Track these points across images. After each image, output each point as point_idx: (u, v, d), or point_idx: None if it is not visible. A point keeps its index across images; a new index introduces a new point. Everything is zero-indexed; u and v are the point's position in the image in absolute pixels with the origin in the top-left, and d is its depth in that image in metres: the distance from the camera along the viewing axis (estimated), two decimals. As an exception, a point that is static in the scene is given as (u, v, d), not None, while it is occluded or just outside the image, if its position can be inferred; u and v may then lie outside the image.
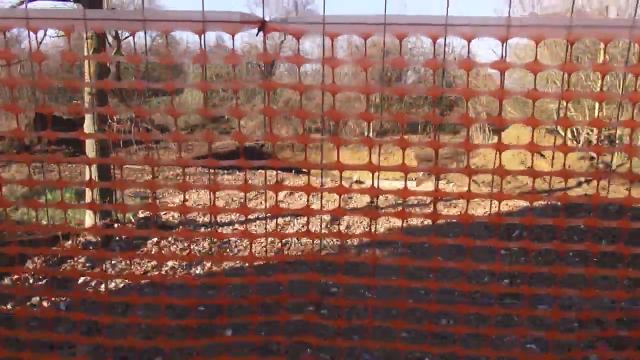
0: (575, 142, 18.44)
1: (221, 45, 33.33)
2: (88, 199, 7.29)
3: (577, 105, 18.56)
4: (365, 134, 25.90)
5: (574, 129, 18.91)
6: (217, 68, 29.11)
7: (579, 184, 12.30)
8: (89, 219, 7.28)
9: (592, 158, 14.24)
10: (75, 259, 5.85)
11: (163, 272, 5.59)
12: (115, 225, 6.81)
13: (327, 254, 6.48)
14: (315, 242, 6.96)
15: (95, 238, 6.37)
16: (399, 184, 13.65)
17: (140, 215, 7.85)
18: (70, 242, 6.23)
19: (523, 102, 21.57)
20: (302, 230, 7.72)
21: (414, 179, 14.62)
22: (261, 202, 10.02)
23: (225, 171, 14.37)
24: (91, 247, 6.13)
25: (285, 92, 27.32)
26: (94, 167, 7.27)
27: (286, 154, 22.59)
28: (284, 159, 22.43)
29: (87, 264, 5.79)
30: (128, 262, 5.89)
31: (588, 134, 18.02)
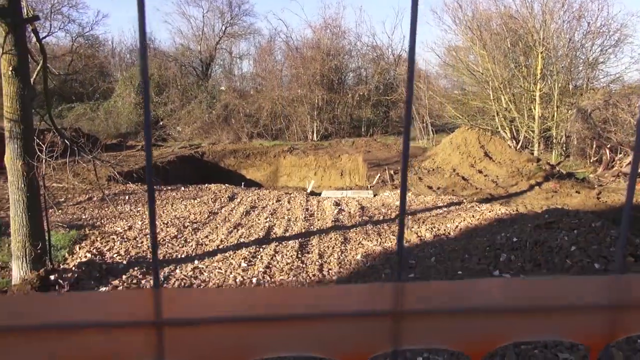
0: (515, 142, 18.90)
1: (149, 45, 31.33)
2: (15, 248, 6.03)
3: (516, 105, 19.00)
4: (309, 137, 25.30)
5: (514, 129, 19.39)
6: (149, 70, 27.17)
7: (531, 187, 12.41)
8: (17, 269, 6.03)
9: (538, 160, 14.52)
10: None
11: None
12: (52, 276, 5.65)
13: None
14: (292, 280, 6.21)
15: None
16: (341, 194, 13.20)
17: (81, 258, 6.68)
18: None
19: (464, 103, 21.89)
20: (273, 262, 6.94)
21: (369, 187, 14.19)
22: (216, 226, 9.08)
23: (168, 187, 13.15)
24: (23, 312, 4.97)
25: (224, 96, 26.05)
26: (20, 201, 6.05)
27: (229, 161, 21.45)
28: (228, 166, 21.32)
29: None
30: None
31: (528, 133, 18.50)
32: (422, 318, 0.31)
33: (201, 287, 6.06)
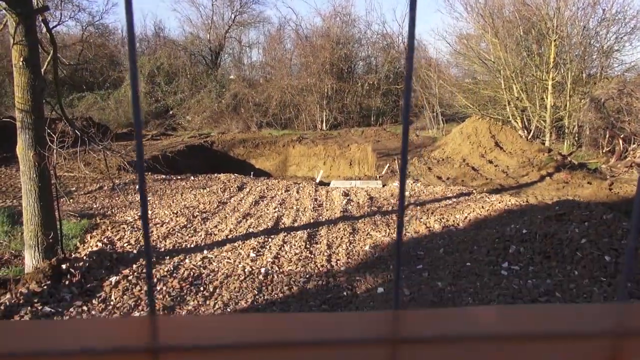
0: (526, 132, 18.69)
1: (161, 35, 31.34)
2: (28, 237, 6.12)
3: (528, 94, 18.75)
4: (318, 127, 25.24)
5: (526, 119, 19.16)
6: (159, 59, 27.21)
7: (542, 178, 12.29)
8: (29, 258, 6.12)
9: (550, 150, 14.35)
10: (17, 317, 4.78)
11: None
12: (64, 265, 5.73)
13: (314, 286, 5.79)
14: (300, 270, 6.24)
15: (41, 286, 5.29)
16: (350, 184, 13.17)
17: (92, 248, 6.77)
18: (8, 294, 5.12)
19: (474, 92, 21.66)
20: (281, 252, 6.97)
21: (378, 177, 14.16)
22: (225, 216, 9.13)
23: (178, 177, 13.23)
24: (36, 300, 5.06)
25: (233, 85, 26.02)
26: (32, 191, 6.12)
27: (239, 151, 21.49)
28: (237, 156, 21.38)
29: (33, 323, 4.74)
30: (84, 316, 4.91)
31: (539, 123, 18.27)
32: (419, 345, 0.31)
33: (210, 276, 6.12)
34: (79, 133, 7.09)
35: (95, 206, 9.89)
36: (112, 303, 5.26)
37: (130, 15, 0.34)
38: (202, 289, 5.71)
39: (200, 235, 7.84)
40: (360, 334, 0.31)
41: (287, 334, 0.31)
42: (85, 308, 5.12)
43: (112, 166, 13.38)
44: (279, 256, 6.82)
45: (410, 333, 0.31)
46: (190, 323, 0.33)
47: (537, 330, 0.32)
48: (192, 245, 7.35)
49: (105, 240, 7.45)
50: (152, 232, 8.04)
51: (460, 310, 0.34)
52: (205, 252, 7.06)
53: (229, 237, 7.78)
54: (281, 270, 6.32)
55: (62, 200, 9.74)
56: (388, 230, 7.98)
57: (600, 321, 0.33)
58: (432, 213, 9.09)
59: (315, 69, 24.89)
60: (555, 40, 17.43)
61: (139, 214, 9.17)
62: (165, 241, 7.51)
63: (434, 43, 65.83)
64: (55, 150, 6.07)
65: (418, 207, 9.64)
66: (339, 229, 8.25)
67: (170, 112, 26.13)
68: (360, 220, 8.77)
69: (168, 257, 6.77)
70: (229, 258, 6.78)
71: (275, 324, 0.33)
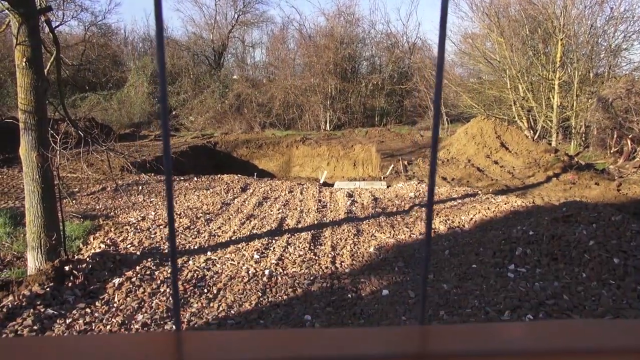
0: (532, 132, 18.63)
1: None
2: (30, 239, 6.14)
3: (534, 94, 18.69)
4: (322, 127, 25.24)
5: (532, 119, 19.10)
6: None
7: (549, 179, 12.25)
8: (32, 260, 6.15)
9: (556, 150, 14.30)
10: (20, 320, 4.80)
11: (133, 331, 4.68)
12: (67, 267, 5.75)
13: (319, 288, 5.79)
14: (304, 272, 6.24)
15: (43, 288, 5.31)
16: (354, 185, 13.17)
17: (95, 249, 6.79)
18: (10, 296, 5.14)
19: (479, 92, 21.62)
20: (285, 254, 6.97)
21: (382, 178, 14.14)
22: (229, 217, 9.14)
23: (181, 177, 13.26)
24: (38, 302, 5.08)
25: (237, 85, 26.06)
26: (35, 192, 6.15)
27: (242, 151, 21.52)
28: (240, 156, 21.40)
29: (37, 325, 4.76)
30: (87, 318, 4.92)
31: (546, 123, 18.20)
32: (446, 362, 0.31)
33: (214, 278, 6.12)
34: (82, 134, 7.11)
35: (98, 207, 9.92)
36: (115, 305, 5.27)
37: (160, 21, 0.34)
38: (205, 290, 5.72)
39: (204, 237, 7.85)
40: (386, 350, 0.31)
41: (312, 350, 0.31)
42: (88, 310, 5.14)
43: (115, 167, 13.44)
44: (282, 258, 6.82)
45: (437, 349, 0.31)
46: (215, 338, 0.33)
47: (566, 347, 0.32)
48: (196, 247, 7.36)
49: (108, 241, 7.47)
50: (155, 233, 8.06)
51: (487, 325, 0.34)
52: (208, 253, 7.06)
53: (232, 238, 7.79)
54: (285, 272, 6.32)
55: (65, 201, 9.77)
56: (393, 232, 7.97)
57: (630, 337, 0.33)
58: (437, 214, 9.07)
59: (319, 69, 24.89)
60: (561, 39, 17.37)
61: (142, 215, 9.20)
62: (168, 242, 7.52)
63: (435, 39, 65.62)
64: (58, 151, 6.08)
65: (423, 208, 9.62)
66: (343, 230, 8.25)
67: (173, 113, 26.18)
68: (364, 222, 8.77)
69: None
70: (232, 260, 6.78)
71: (301, 340, 0.32)
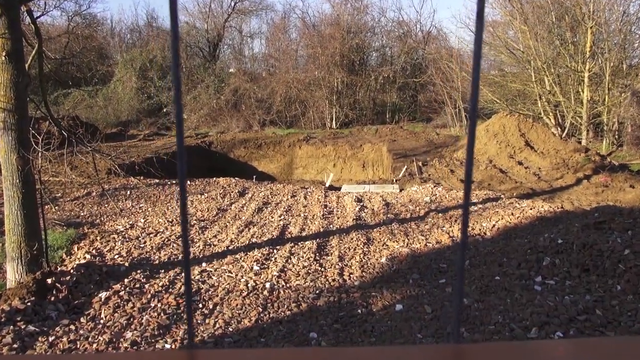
0: (560, 129, 18.57)
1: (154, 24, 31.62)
2: (10, 249, 6.18)
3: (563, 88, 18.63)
4: (328, 125, 25.28)
5: (559, 115, 19.04)
6: (152, 52, 27.45)
7: (579, 181, 12.19)
8: (11, 272, 6.18)
9: (587, 150, 14.24)
10: (-1, 337, 4.82)
11: (121, 349, 4.69)
12: (49, 280, 5.77)
13: (325, 303, 5.79)
14: (309, 285, 6.24)
15: (24, 303, 5.34)
16: (363, 188, 13.16)
17: (80, 260, 6.82)
18: (-11, 312, 5.17)
19: (501, 85, 21.59)
20: (288, 265, 6.98)
21: (394, 181, 14.13)
22: (226, 225, 9.17)
23: (173, 181, 13.30)
24: (19, 318, 5.10)
25: (234, 79, 26.16)
26: (15, 197, 6.18)
27: (239, 152, 21.59)
28: (238, 158, 21.47)
29: (17, 343, 4.78)
30: (71, 336, 4.94)
31: (575, 119, 18.14)
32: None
33: (209, 292, 6.13)
34: (65, 134, 7.16)
35: (82, 214, 9.97)
36: (102, 322, 5.29)
37: (175, 22, 0.34)
38: (200, 305, 5.73)
39: (198, 246, 7.86)
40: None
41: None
42: (72, 327, 5.15)
43: (101, 170, 13.51)
44: (285, 269, 6.82)
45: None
46: (229, 357, 0.33)
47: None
48: (189, 257, 7.36)
49: (94, 251, 7.50)
50: (145, 242, 8.09)
51: (526, 343, 0.34)
52: (203, 264, 7.08)
53: (229, 248, 7.80)
54: (288, 285, 6.32)
55: (47, 207, 9.83)
56: (406, 240, 7.95)
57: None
58: (455, 221, 9.06)
59: (324, 60, 24.95)
60: (591, 27, 17.31)
61: (130, 222, 9.23)
62: (160, 253, 7.55)
63: (456, 31, 65.76)
64: (39, 153, 6.13)
65: (440, 214, 9.60)
66: (352, 238, 8.25)
67: (164, 110, 26.32)
68: (375, 229, 8.76)
69: (163, 271, 6.80)
70: (230, 271, 6.79)
71: (320, 359, 0.32)
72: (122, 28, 34.02)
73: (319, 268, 6.89)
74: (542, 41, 18.52)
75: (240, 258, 7.33)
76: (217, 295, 5.98)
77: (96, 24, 29.85)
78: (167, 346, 4.82)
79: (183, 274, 6.40)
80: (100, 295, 5.87)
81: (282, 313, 5.53)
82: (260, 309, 5.58)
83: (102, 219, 9.68)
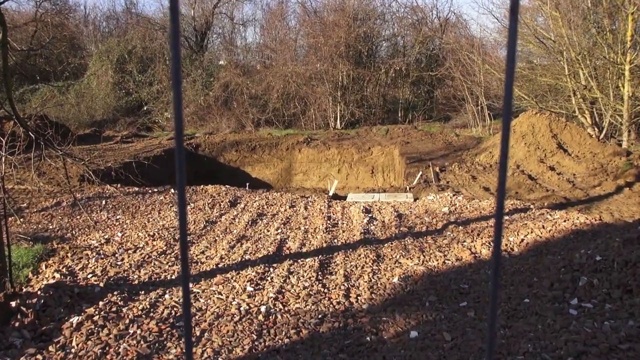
0: (597, 130, 18.57)
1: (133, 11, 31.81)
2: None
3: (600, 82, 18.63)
4: (331, 125, 25.33)
5: (596, 113, 19.05)
6: (131, 42, 27.59)
7: (619, 189, 12.18)
8: (-31, 293, 6.17)
9: (629, 153, 14.24)
10: (-45, 369, 4.82)
11: (95, 383, 4.68)
12: (13, 302, 5.77)
13: (329, 329, 5.77)
14: (310, 309, 6.24)
15: (-16, 329, 5.33)
16: (372, 197, 13.16)
17: (49, 280, 6.82)
18: (-56, 339, 5.17)
19: (530, 79, 21.63)
20: (286, 286, 6.97)
21: (408, 189, 14.14)
22: (215, 239, 9.18)
23: (154, 189, 13.34)
24: (-22, 347, 5.09)
25: (224, 73, 26.27)
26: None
27: (231, 156, 21.63)
28: (228, 162, 21.52)
29: (-26, 376, 4.78)
30: (38, 367, 4.93)
31: (614, 118, 18.13)
32: None
33: (197, 316, 6.12)
34: (32, 135, 7.19)
35: (51, 227, 9.99)
36: (73, 351, 5.28)
37: (176, 24, 0.34)
38: (186, 332, 5.72)
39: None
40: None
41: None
42: (39, 357, 5.15)
43: (73, 176, 13.55)
44: (283, 291, 6.81)
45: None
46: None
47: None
48: (173, 277, 7.37)
49: (64, 270, 7.50)
50: (123, 259, 8.10)
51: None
52: (190, 285, 7.07)
53: (219, 266, 7.80)
54: (286, 308, 6.31)
55: (10, 219, 9.85)
56: (422, 257, 7.94)
57: None
58: (478, 235, 9.05)
59: (327, 51, 25.05)
60: (632, 13, 17.35)
61: (105, 236, 9.25)
62: (140, 271, 7.55)
63: (478, 18, 66.05)
64: (3, 158, 6.14)
65: (460, 226, 9.59)
66: (360, 255, 8.24)
67: (145, 108, 26.44)
68: (386, 245, 8.75)
69: (143, 292, 6.79)
70: (220, 293, 6.79)
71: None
72: (98, 15, 34.27)
73: (322, 289, 6.88)
74: (576, 29, 18.55)
75: (232, 277, 7.32)
76: (205, 321, 5.96)
77: (68, 10, 30.06)
78: (148, 379, 4.81)
79: (166, 296, 6.39)
80: (71, 320, 5.86)
81: (280, 341, 5.51)
82: (255, 337, 5.57)
83: (74, 232, 9.69)
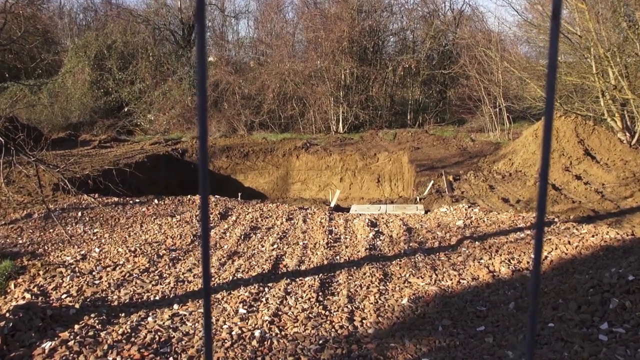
0: (629, 134, 18.60)
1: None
2: None
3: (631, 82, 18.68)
4: (333, 128, 25.36)
5: (628, 116, 19.10)
6: (110, 36, 27.69)
7: (654, 201, 12.19)
8: None
9: (664, 160, 14.25)
10: None
11: (70, 416, 4.67)
12: (-22, 326, 5.76)
13: (331, 356, 5.76)
14: (310, 334, 6.23)
15: (-54, 356, 5.32)
16: (378, 209, 13.16)
17: (18, 301, 6.82)
18: None
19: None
20: (283, 307, 6.97)
21: (418, 200, 14.15)
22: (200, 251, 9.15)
23: (136, 200, 13.35)
24: (-61, 376, 5.09)
25: (214, 71, 26.35)
26: None
27: (221, 162, 21.65)
28: (218, 170, 21.55)
29: None
30: (6, 398, 4.92)
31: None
32: None
33: (183, 342, 6.11)
34: (1, 139, 7.21)
35: (21, 241, 9.98)
36: (45, 380, 5.27)
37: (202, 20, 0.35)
38: (171, 359, 5.70)
39: (169, 283, 7.85)
40: None
41: None
42: (8, 387, 5.14)
43: (46, 185, 13.55)
44: (279, 313, 6.80)
45: None
46: None
47: None
48: (157, 297, 7.36)
49: (35, 289, 7.49)
50: (101, 278, 8.09)
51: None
52: (175, 306, 7.06)
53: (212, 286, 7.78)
54: (283, 333, 6.30)
55: (-25, 233, 9.84)
56: (434, 276, 7.94)
57: None
58: (496, 251, 9.05)
59: (329, 47, 25.13)
60: (667, 6, 17.44)
61: (82, 252, 9.24)
62: (119, 291, 7.54)
63: (496, 10, 66.32)
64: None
65: (476, 242, 9.59)
66: (365, 274, 8.23)
67: (126, 109, 26.49)
68: (394, 262, 8.75)
69: (123, 314, 6.78)
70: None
71: None
72: (74, 6, 34.43)
73: (323, 311, 6.87)
74: (605, 23, 18.62)
75: (222, 298, 7.32)
76: (193, 347, 5.95)
77: (41, 1, 30.18)
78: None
79: (149, 319, 6.37)
80: (43, 345, 5.85)
81: (276, 369, 5.50)
82: (248, 365, 5.56)
83: (47, 247, 9.68)
